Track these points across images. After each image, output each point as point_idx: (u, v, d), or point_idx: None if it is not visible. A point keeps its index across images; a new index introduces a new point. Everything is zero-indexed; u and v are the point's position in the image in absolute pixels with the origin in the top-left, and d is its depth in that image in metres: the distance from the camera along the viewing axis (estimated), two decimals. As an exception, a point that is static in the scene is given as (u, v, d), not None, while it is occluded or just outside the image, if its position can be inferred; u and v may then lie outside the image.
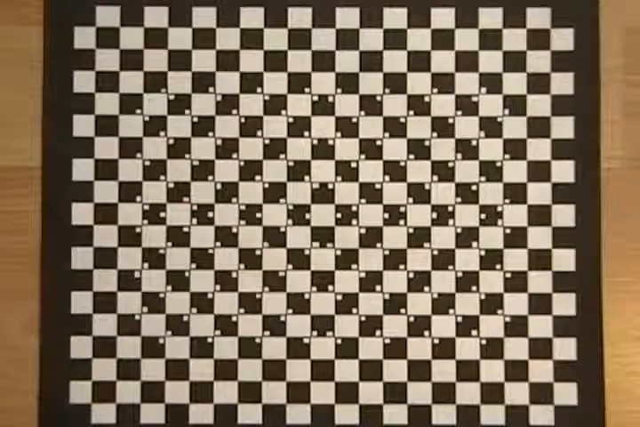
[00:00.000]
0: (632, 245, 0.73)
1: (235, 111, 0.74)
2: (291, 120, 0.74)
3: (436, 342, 0.72)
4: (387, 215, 0.73)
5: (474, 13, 0.74)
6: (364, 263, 0.73)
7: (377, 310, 0.72)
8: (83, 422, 0.72)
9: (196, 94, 0.74)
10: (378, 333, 0.72)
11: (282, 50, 0.74)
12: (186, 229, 0.73)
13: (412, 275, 0.72)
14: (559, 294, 0.72)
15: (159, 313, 0.72)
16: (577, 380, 0.72)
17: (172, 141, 0.74)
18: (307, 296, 0.72)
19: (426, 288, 0.72)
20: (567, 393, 0.72)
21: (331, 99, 0.74)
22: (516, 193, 0.73)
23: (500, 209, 0.73)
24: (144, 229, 0.73)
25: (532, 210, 0.73)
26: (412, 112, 0.74)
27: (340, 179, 0.73)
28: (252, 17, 0.74)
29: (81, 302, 0.72)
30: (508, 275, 0.72)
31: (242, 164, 0.73)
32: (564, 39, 0.74)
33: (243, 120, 0.74)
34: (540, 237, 0.73)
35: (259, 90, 0.74)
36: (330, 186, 0.73)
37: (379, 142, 0.73)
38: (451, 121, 0.73)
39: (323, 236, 0.73)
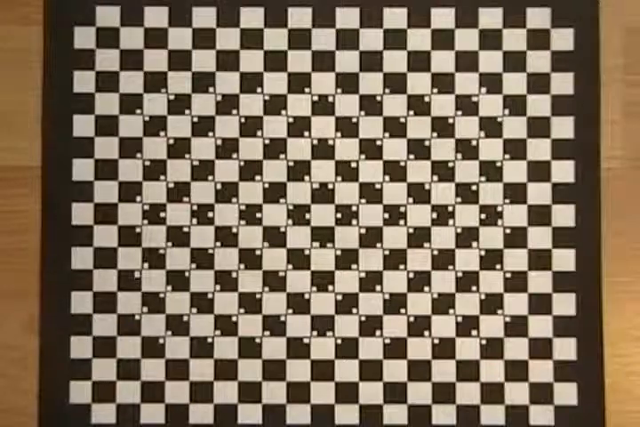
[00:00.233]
0: (632, 245, 0.73)
1: (235, 111, 0.74)
2: (291, 120, 0.74)
3: (436, 342, 0.72)
4: (387, 215, 0.73)
5: (474, 13, 0.74)
6: (364, 263, 0.73)
7: (377, 310, 0.72)
8: (83, 422, 0.72)
9: (196, 94, 0.74)
10: (378, 333, 0.72)
11: (282, 50, 0.74)
12: (186, 229, 0.73)
13: (412, 275, 0.72)
14: (559, 294, 0.72)
15: (159, 313, 0.72)
16: (577, 380, 0.72)
17: (171, 141, 0.74)
18: (307, 296, 0.72)
19: (426, 288, 0.72)
20: (567, 393, 0.72)
21: (331, 99, 0.74)
22: (515, 193, 0.73)
23: (500, 209, 0.73)
24: (144, 229, 0.73)
25: (532, 210, 0.73)
26: (412, 112, 0.74)
27: (339, 179, 0.73)
28: (252, 17, 0.74)
29: (81, 302, 0.72)
30: (508, 275, 0.72)
31: (242, 164, 0.73)
32: (564, 39, 0.74)
33: (243, 120, 0.74)
34: (540, 237, 0.73)
35: (259, 90, 0.74)
36: (330, 186, 0.73)
37: (379, 142, 0.73)
38: (451, 121, 0.73)
39: (323, 236, 0.73)
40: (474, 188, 0.73)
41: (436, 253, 0.73)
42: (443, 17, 0.74)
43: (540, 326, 0.72)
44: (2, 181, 0.73)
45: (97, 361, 0.72)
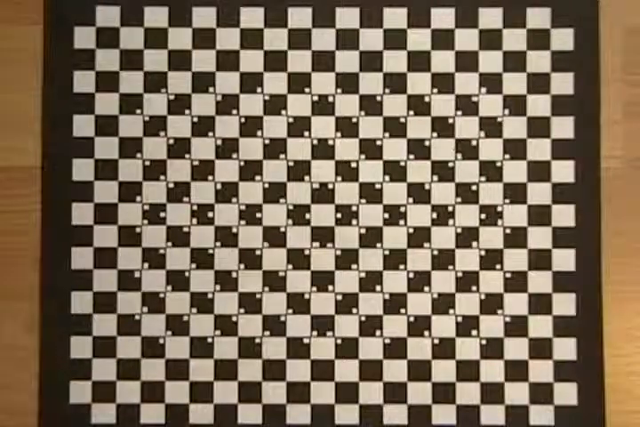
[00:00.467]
0: (632, 245, 0.73)
1: (235, 111, 0.74)
2: (291, 120, 0.74)
3: (436, 342, 0.72)
4: (387, 215, 0.73)
5: (474, 13, 0.74)
6: (364, 263, 0.73)
7: (377, 310, 0.72)
8: (83, 422, 0.72)
9: (196, 94, 0.74)
10: (378, 333, 0.72)
11: (282, 50, 0.74)
12: (186, 229, 0.73)
13: (412, 275, 0.72)
14: (559, 294, 0.72)
15: (159, 313, 0.72)
16: (577, 380, 0.72)
17: (172, 141, 0.74)
18: (307, 296, 0.72)
19: (426, 288, 0.72)
20: (567, 393, 0.72)
21: (331, 99, 0.74)
22: (516, 193, 0.73)
23: (500, 209, 0.73)
24: (144, 229, 0.73)
25: (532, 210, 0.73)
26: (412, 112, 0.74)
27: (339, 179, 0.73)
28: (252, 17, 0.74)
29: (81, 302, 0.72)
30: (508, 275, 0.72)
31: (242, 164, 0.73)
32: (564, 39, 0.74)
33: (243, 120, 0.74)
34: (540, 237, 0.73)
35: (259, 90, 0.74)
36: (330, 186, 0.73)
37: (379, 142, 0.73)
38: (451, 121, 0.73)
39: (323, 236, 0.73)
40: (474, 188, 0.73)
41: (435, 253, 0.73)
42: (443, 17, 0.74)
43: (540, 326, 0.72)
44: (2, 181, 0.73)
45: (97, 361, 0.72)
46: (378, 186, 0.73)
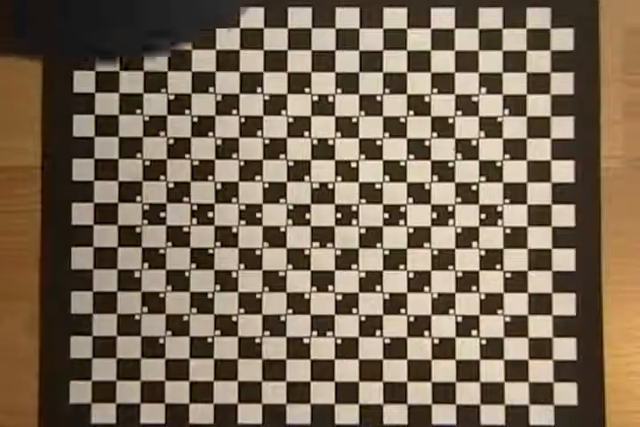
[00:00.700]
0: (632, 245, 0.73)
1: (235, 111, 0.74)
2: (291, 120, 0.74)
3: (436, 342, 0.72)
4: (387, 215, 0.73)
5: (474, 13, 0.74)
6: (364, 263, 0.73)
7: (377, 310, 0.72)
8: (83, 422, 0.72)
9: (196, 94, 0.74)
10: (378, 333, 0.72)
11: (282, 50, 0.74)
12: (186, 229, 0.73)
13: (412, 275, 0.72)
14: (559, 294, 0.72)
15: (159, 313, 0.72)
16: (577, 380, 0.72)
17: (171, 141, 0.74)
18: (307, 296, 0.72)
19: (426, 288, 0.72)
20: (567, 393, 0.72)
21: (331, 99, 0.74)
22: (516, 193, 0.73)
23: (500, 209, 0.73)
24: (144, 229, 0.73)
25: (532, 210, 0.73)
26: (412, 112, 0.74)
27: (340, 179, 0.73)
28: (252, 17, 0.74)
29: (81, 302, 0.72)
30: (508, 275, 0.72)
31: (242, 164, 0.73)
32: (564, 39, 0.74)
33: (243, 120, 0.74)
34: (540, 237, 0.73)
35: (259, 90, 0.74)
36: (330, 186, 0.73)
37: (379, 142, 0.73)
38: (451, 121, 0.73)
39: (323, 236, 0.73)
40: (474, 188, 0.73)
41: (435, 253, 0.73)
42: (443, 17, 0.74)
43: (540, 326, 0.72)
44: (2, 181, 0.73)
45: (97, 361, 0.72)
46: (378, 186, 0.73)
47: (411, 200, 0.73)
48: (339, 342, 0.72)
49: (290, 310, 0.72)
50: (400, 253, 0.73)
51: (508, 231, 0.73)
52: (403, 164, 0.73)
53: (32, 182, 0.73)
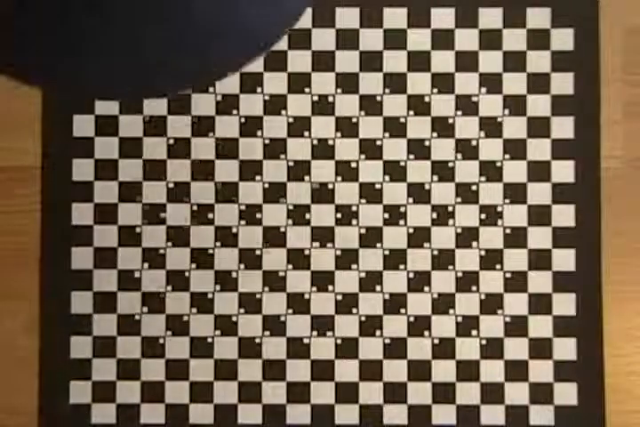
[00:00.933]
0: (632, 245, 0.73)
1: (235, 111, 0.74)
2: (291, 120, 0.74)
3: (436, 342, 0.72)
4: (387, 215, 0.73)
5: (474, 13, 0.74)
6: (364, 263, 0.73)
7: (377, 310, 0.72)
8: (83, 422, 0.72)
9: (196, 94, 0.74)
10: (378, 333, 0.72)
11: (282, 50, 0.74)
12: (186, 229, 0.73)
13: (412, 275, 0.72)
14: (559, 294, 0.72)
15: (159, 313, 0.72)
16: (577, 380, 0.72)
17: (172, 141, 0.74)
18: (307, 296, 0.72)
19: (426, 288, 0.72)
20: (567, 393, 0.72)
21: (331, 99, 0.74)
22: (516, 193, 0.73)
23: (500, 209, 0.73)
24: (144, 229, 0.73)
25: (532, 210, 0.73)
26: (412, 112, 0.74)
27: (340, 179, 0.73)
28: (251, 17, 0.74)
29: (81, 302, 0.72)
30: (508, 275, 0.72)
31: (242, 164, 0.73)
32: (564, 39, 0.74)
33: (243, 120, 0.74)
34: (540, 237, 0.73)
35: (259, 90, 0.74)
36: (330, 186, 0.73)
37: (379, 142, 0.73)
38: (451, 121, 0.73)
39: (323, 236, 0.73)
40: (474, 188, 0.73)
41: (436, 253, 0.73)
42: (443, 17, 0.74)
43: (540, 326, 0.72)
44: (2, 181, 0.73)
45: (97, 361, 0.72)
46: (378, 186, 0.73)
47: (411, 200, 0.73)
48: (339, 342, 0.72)
49: (290, 310, 0.72)
50: (400, 253, 0.73)
51: (508, 231, 0.73)
52: (403, 164, 0.73)
53: (32, 182, 0.73)
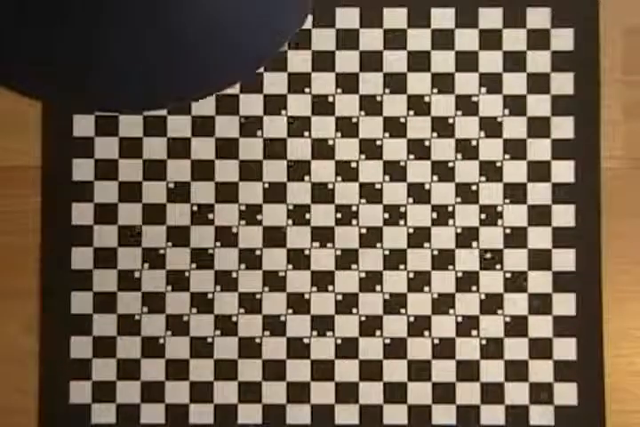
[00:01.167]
0: (632, 245, 0.73)
1: (235, 111, 0.74)
2: (291, 120, 0.74)
3: (436, 342, 0.72)
4: (387, 215, 0.73)
5: (474, 13, 0.74)
6: (364, 263, 0.73)
7: (377, 310, 0.72)
8: (83, 423, 0.72)
9: (196, 94, 0.74)
10: (378, 333, 0.72)
11: (282, 50, 0.74)
12: (186, 229, 0.73)
13: (412, 275, 0.72)
14: (559, 294, 0.72)
15: (159, 313, 0.72)
16: (577, 380, 0.72)
17: (172, 142, 0.74)
18: (307, 296, 0.72)
19: (426, 288, 0.72)
20: (567, 393, 0.72)
21: (331, 99, 0.74)
22: (516, 193, 0.73)
23: (500, 209, 0.73)
24: (144, 229, 0.73)
25: (532, 210, 0.73)
26: (412, 112, 0.74)
27: (340, 179, 0.73)
28: (252, 17, 0.74)
29: (81, 302, 0.72)
30: (508, 275, 0.72)
31: (242, 164, 0.73)
32: (564, 39, 0.74)
33: (243, 120, 0.74)
34: (540, 237, 0.73)
35: (259, 90, 0.74)
36: (330, 186, 0.73)
37: (379, 142, 0.73)
38: (451, 121, 0.73)
39: (323, 236, 0.73)
40: (474, 188, 0.73)
41: (436, 253, 0.73)
42: (443, 17, 0.74)
43: (540, 326, 0.72)
44: (2, 181, 0.73)
45: (97, 361, 0.72)
46: (378, 186, 0.73)
47: (411, 200, 0.73)
48: (339, 342, 0.72)
49: (290, 310, 0.72)
50: (400, 253, 0.73)
51: (507, 231, 0.73)
52: (403, 164, 0.73)
53: (32, 182, 0.73)
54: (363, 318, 0.72)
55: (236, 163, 0.73)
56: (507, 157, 0.73)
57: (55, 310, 0.72)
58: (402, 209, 0.73)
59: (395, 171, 0.73)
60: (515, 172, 0.73)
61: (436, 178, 0.73)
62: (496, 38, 0.74)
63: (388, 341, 0.72)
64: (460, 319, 0.72)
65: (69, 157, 0.73)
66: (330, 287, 0.72)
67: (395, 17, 0.74)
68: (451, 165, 0.73)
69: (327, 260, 0.73)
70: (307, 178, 0.73)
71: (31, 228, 0.73)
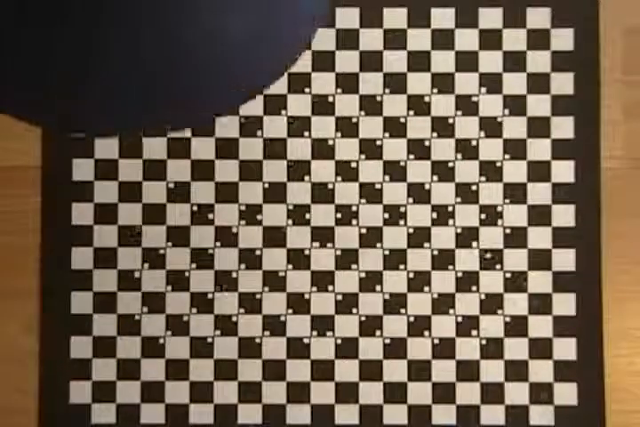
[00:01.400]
0: (632, 245, 0.73)
1: (235, 111, 0.74)
2: (291, 120, 0.74)
3: (436, 342, 0.72)
4: (387, 215, 0.73)
5: (474, 13, 0.74)
6: (364, 263, 0.73)
7: (377, 310, 0.72)
8: (83, 423, 0.72)
9: (196, 94, 0.74)
10: (378, 333, 0.72)
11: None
12: (186, 229, 0.73)
13: (412, 275, 0.72)
14: (559, 294, 0.72)
15: (159, 313, 0.72)
16: (577, 380, 0.72)
17: (171, 142, 0.74)
18: (307, 296, 0.72)
19: (426, 288, 0.72)
20: (567, 393, 0.72)
21: (331, 99, 0.74)
22: (516, 193, 0.73)
23: (500, 209, 0.73)
24: (144, 229, 0.73)
25: (532, 210, 0.73)
26: (412, 112, 0.74)
27: (340, 179, 0.73)
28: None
29: (81, 302, 0.72)
30: (508, 275, 0.72)
31: (242, 164, 0.73)
32: (564, 39, 0.74)
33: (243, 120, 0.74)
34: (540, 237, 0.73)
35: (259, 90, 0.74)
36: (330, 186, 0.73)
37: (379, 142, 0.73)
38: (451, 121, 0.73)
39: (323, 236, 0.73)
40: (474, 188, 0.73)
41: (436, 253, 0.73)
42: (443, 17, 0.74)
43: (540, 326, 0.72)
44: (2, 181, 0.73)
45: (97, 361, 0.72)
46: (378, 186, 0.73)
47: (411, 200, 0.73)
48: (339, 342, 0.72)
49: (290, 310, 0.72)
50: (400, 253, 0.73)
51: (507, 231, 0.73)
52: (403, 164, 0.73)
53: (32, 182, 0.73)
54: (363, 318, 0.72)
55: (236, 163, 0.74)
56: (507, 157, 0.73)
57: (55, 310, 0.72)
58: (402, 209, 0.73)
59: (395, 171, 0.73)
60: (515, 172, 0.73)
61: (436, 178, 0.73)
62: (496, 38, 0.74)
63: (387, 341, 0.72)
64: (459, 319, 0.72)
65: (69, 157, 0.73)
66: (330, 287, 0.72)
67: (395, 17, 0.74)
68: (451, 165, 0.73)
69: (327, 260, 0.73)
70: (307, 178, 0.73)
71: (31, 228, 0.73)
